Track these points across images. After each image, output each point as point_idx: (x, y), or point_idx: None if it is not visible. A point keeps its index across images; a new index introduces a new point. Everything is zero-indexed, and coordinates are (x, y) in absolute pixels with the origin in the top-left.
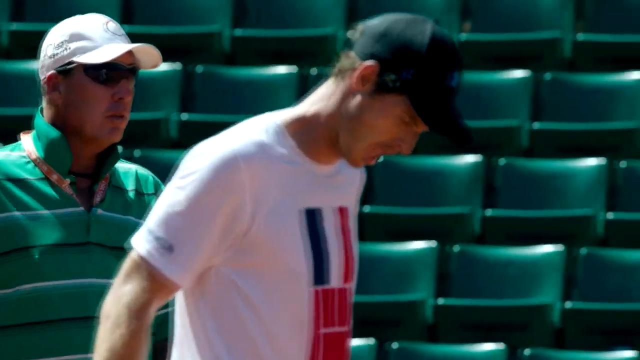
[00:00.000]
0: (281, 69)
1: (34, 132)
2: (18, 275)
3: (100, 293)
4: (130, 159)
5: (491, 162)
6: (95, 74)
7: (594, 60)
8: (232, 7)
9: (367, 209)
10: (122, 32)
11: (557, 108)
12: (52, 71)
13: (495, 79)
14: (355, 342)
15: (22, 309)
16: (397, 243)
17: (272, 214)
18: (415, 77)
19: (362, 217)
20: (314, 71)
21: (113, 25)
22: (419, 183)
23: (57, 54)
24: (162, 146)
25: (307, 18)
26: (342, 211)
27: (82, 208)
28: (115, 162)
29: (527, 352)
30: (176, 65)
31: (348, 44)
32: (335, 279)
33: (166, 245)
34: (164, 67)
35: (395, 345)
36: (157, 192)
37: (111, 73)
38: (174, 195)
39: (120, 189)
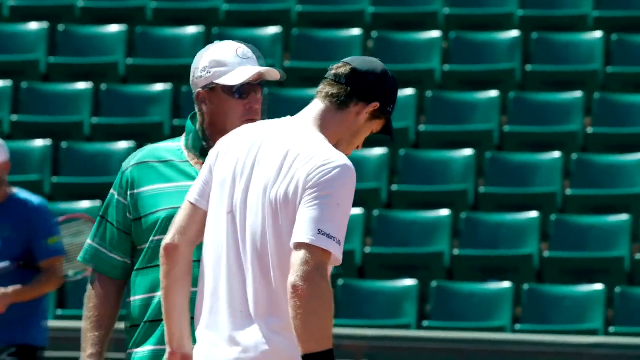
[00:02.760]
0: None
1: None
2: (158, 229)
3: None
4: None
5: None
6: (232, 91)
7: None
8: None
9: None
10: (250, 54)
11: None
12: (200, 89)
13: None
14: None
15: (155, 254)
16: None
17: None
18: (391, 110)
19: None
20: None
21: (242, 50)
22: None
23: (202, 76)
24: None
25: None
26: None
27: None
28: None
29: None
30: None
31: (338, 77)
32: None
33: (338, 242)
34: None
35: None
36: None
37: (243, 89)
38: (329, 204)
39: None
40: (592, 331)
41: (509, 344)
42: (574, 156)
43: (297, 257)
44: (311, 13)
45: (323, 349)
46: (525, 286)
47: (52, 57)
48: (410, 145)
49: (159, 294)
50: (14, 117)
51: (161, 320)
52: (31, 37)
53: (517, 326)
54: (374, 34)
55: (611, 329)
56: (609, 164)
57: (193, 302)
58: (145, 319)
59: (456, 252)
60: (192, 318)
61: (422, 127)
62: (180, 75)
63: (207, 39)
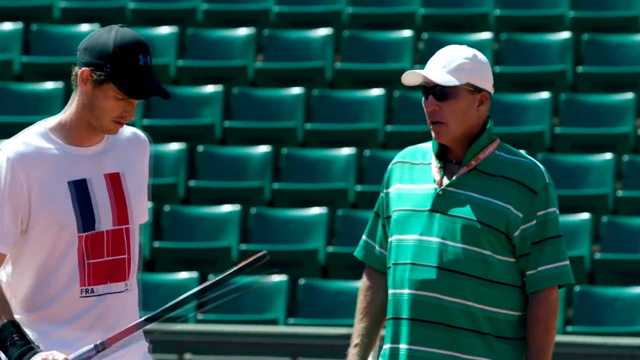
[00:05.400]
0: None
1: None
2: (393, 230)
3: (433, 248)
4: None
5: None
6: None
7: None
8: None
9: None
10: (436, 58)
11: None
12: None
13: (279, 94)
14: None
15: (391, 254)
16: None
17: (42, 189)
18: (112, 68)
19: None
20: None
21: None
22: None
23: None
24: None
25: None
26: (111, 176)
27: (435, 185)
28: (470, 156)
29: None
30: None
31: (77, 63)
32: (104, 225)
33: None
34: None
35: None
36: (525, 181)
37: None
38: None
39: (485, 174)
40: None
41: (560, 345)
42: (626, 157)
43: None
44: (362, 15)
45: None
46: (577, 288)
47: None
48: None
49: (395, 292)
50: None
51: (391, 318)
52: None
53: (569, 328)
54: (425, 35)
55: None
56: None
57: (392, 303)
58: (388, 316)
59: None
60: (394, 319)
61: None
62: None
63: (258, 40)
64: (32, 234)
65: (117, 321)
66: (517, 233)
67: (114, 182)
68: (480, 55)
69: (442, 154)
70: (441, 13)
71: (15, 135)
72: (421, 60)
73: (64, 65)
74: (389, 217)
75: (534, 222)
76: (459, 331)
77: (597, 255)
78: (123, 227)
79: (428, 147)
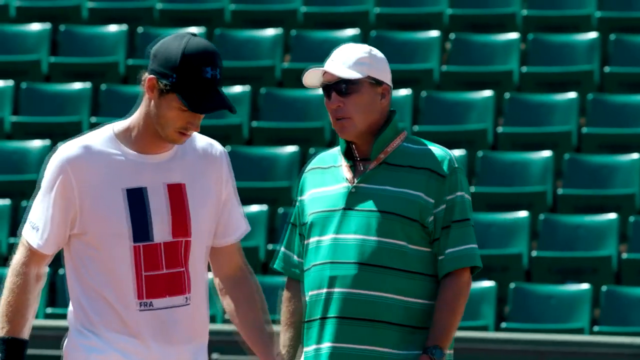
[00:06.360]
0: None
1: None
2: (310, 233)
3: (350, 245)
4: None
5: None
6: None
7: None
8: None
9: None
10: (334, 57)
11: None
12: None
13: (306, 94)
14: None
15: (306, 257)
16: None
17: (95, 195)
18: (177, 79)
19: None
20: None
21: (335, 52)
22: None
23: None
24: None
25: None
26: (173, 187)
27: (347, 184)
28: (377, 150)
29: None
30: None
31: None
32: (159, 236)
33: (34, 227)
34: None
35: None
36: (432, 166)
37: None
38: (38, 193)
39: (394, 166)
40: None
41: (588, 345)
42: None
43: None
44: (389, 15)
45: (5, 335)
46: (604, 288)
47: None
48: (489, 147)
49: (314, 293)
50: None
51: (312, 320)
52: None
53: (596, 328)
54: (452, 35)
55: None
56: None
57: (312, 304)
58: (307, 318)
59: (534, 253)
60: (315, 320)
61: (500, 129)
62: None
63: (285, 40)
64: (88, 240)
65: (182, 335)
66: (431, 219)
67: (175, 193)
68: (375, 50)
69: (350, 153)
70: (468, 13)
71: (79, 136)
72: (448, 60)
73: (91, 66)
74: (305, 224)
75: (444, 206)
76: (379, 324)
77: (624, 255)
78: (181, 239)
79: (336, 150)
